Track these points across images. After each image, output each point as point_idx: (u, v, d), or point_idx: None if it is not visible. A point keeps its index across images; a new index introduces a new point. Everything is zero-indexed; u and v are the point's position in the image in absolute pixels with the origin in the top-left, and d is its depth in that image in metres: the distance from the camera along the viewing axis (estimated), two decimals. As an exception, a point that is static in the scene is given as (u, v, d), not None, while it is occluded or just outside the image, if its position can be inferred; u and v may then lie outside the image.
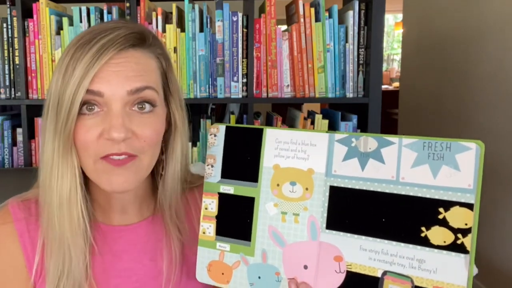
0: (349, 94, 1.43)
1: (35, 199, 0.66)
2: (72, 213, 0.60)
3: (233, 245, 0.62)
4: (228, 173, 0.63)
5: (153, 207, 0.70)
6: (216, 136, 0.64)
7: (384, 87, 4.51)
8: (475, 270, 1.19)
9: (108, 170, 0.58)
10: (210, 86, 1.43)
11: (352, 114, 1.46)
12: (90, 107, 0.58)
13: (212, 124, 1.48)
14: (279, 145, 0.60)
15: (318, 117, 1.44)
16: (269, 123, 1.55)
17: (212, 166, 0.64)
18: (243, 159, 0.62)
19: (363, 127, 1.45)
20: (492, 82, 2.08)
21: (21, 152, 1.45)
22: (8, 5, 1.41)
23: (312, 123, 1.44)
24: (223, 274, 0.63)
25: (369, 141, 0.56)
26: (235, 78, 1.42)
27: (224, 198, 0.63)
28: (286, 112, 1.64)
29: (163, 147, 0.66)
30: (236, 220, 0.62)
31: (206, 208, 0.64)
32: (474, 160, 0.50)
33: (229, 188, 0.63)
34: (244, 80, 1.43)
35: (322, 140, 0.58)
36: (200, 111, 1.79)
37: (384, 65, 6.49)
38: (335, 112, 1.48)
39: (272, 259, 0.60)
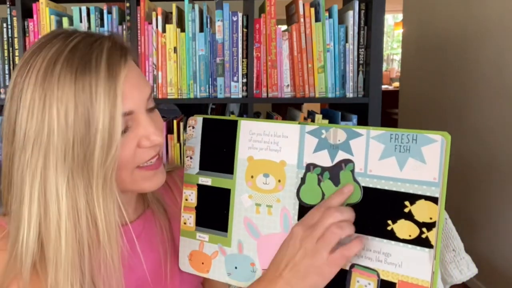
0: (349, 94, 1.43)
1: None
2: (118, 241, 0.56)
3: (211, 236, 0.63)
4: (206, 164, 0.64)
5: (143, 203, 0.71)
6: (194, 128, 0.64)
7: (384, 87, 4.51)
8: (475, 270, 1.18)
9: (148, 176, 0.59)
10: (210, 86, 1.43)
11: (352, 114, 1.46)
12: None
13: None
14: (252, 137, 0.61)
15: (318, 117, 1.43)
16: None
17: (191, 158, 0.65)
18: (219, 151, 0.63)
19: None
20: (491, 82, 2.08)
21: (21, 152, 1.45)
22: (8, 5, 1.41)
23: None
24: (203, 263, 0.64)
25: (338, 133, 0.55)
26: (235, 78, 1.42)
27: (202, 190, 0.64)
28: (286, 112, 1.64)
29: None
30: (214, 211, 0.63)
31: (186, 199, 0.65)
32: (440, 152, 0.50)
33: (207, 180, 0.64)
34: (244, 80, 1.43)
35: (294, 132, 0.58)
36: (200, 111, 1.79)
37: (384, 65, 6.49)
38: (335, 112, 1.48)
39: (247, 250, 0.61)
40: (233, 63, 1.41)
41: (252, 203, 0.60)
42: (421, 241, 0.50)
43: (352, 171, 0.54)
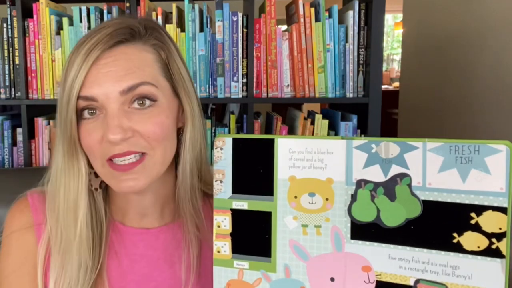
0: (349, 94, 1.43)
1: None
2: (77, 219, 0.60)
3: (252, 263, 0.60)
4: (239, 188, 0.60)
5: (176, 212, 0.68)
6: (222, 149, 0.60)
7: (384, 87, 4.51)
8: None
9: (116, 176, 0.58)
10: (210, 86, 1.43)
11: (352, 114, 1.46)
12: (91, 111, 0.58)
13: (212, 124, 1.48)
14: (293, 155, 0.57)
15: (318, 117, 1.44)
16: (269, 123, 1.55)
17: (221, 182, 0.60)
18: (255, 172, 0.59)
19: (363, 127, 1.45)
20: (492, 82, 2.08)
21: (21, 152, 1.45)
22: (8, 5, 1.41)
23: (312, 123, 1.44)
24: None
25: (390, 147, 0.53)
26: (235, 78, 1.42)
27: (237, 214, 0.60)
28: (286, 112, 1.64)
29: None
30: (253, 236, 0.60)
31: (218, 226, 0.61)
32: (505, 162, 0.49)
33: (242, 204, 0.60)
34: (244, 80, 1.43)
35: (339, 147, 0.56)
36: (200, 111, 1.79)
37: (384, 65, 6.49)
38: (335, 112, 1.48)
39: (296, 273, 0.58)
40: (233, 63, 1.41)
41: (297, 225, 0.58)
42: (492, 252, 0.50)
43: (409, 185, 0.53)
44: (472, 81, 2.25)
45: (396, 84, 5.21)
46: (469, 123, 2.27)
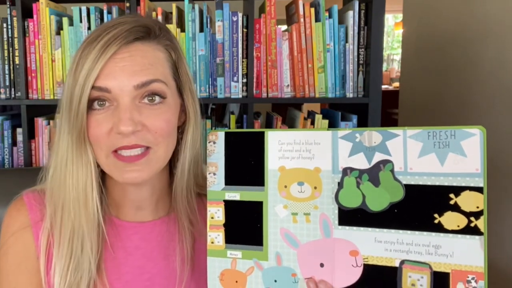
0: (349, 94, 1.43)
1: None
2: (87, 206, 0.62)
3: (245, 252, 0.62)
4: (232, 179, 0.62)
5: (169, 206, 0.71)
6: (215, 143, 0.63)
7: (384, 87, 4.51)
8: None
9: (119, 166, 0.59)
10: (210, 86, 1.43)
11: (352, 114, 1.46)
12: (101, 103, 0.59)
13: (212, 124, 1.48)
14: (282, 147, 0.60)
15: (318, 117, 1.44)
16: (269, 123, 1.55)
17: (214, 174, 0.63)
18: (246, 164, 0.62)
19: (363, 127, 1.45)
20: (492, 82, 2.08)
21: (21, 152, 1.45)
22: (8, 5, 1.41)
23: (312, 123, 1.44)
24: (237, 282, 0.62)
25: (373, 135, 0.56)
26: (235, 78, 1.42)
27: (230, 205, 0.62)
28: (286, 112, 1.64)
29: (180, 139, 0.67)
30: (245, 226, 0.62)
31: (212, 217, 0.63)
32: (479, 145, 0.52)
33: (234, 195, 0.62)
34: (244, 80, 1.43)
35: (326, 138, 0.58)
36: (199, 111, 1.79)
37: (384, 65, 6.49)
38: (335, 112, 1.48)
39: (287, 261, 0.60)
40: (233, 63, 1.41)
41: (288, 213, 0.60)
42: (471, 230, 0.53)
43: (392, 170, 0.55)
44: (472, 81, 2.25)
45: (396, 84, 5.21)
46: (469, 123, 2.27)
